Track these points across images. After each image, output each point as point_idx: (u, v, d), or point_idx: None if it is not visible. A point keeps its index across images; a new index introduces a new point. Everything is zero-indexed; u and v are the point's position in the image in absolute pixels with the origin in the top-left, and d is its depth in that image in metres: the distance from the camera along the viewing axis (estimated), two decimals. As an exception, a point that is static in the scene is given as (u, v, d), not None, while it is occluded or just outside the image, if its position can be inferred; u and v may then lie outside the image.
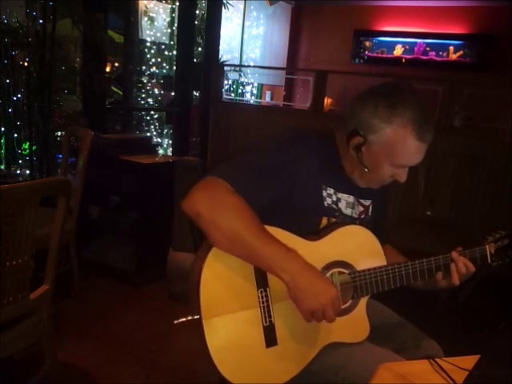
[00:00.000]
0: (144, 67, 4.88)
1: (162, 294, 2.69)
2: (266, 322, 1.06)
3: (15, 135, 3.62)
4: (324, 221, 1.18)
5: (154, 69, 4.93)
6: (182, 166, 2.76)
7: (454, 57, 6.43)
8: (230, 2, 5.72)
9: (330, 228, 1.16)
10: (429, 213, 3.29)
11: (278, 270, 1.00)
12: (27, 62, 3.43)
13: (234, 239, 1.00)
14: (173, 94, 4.58)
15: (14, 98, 3.54)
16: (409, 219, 3.55)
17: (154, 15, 4.84)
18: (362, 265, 1.15)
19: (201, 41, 5.09)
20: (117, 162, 2.90)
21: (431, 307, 2.84)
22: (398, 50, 6.74)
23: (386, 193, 1.36)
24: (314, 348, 1.12)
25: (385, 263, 1.17)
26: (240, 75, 6.41)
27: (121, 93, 4.73)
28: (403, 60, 6.69)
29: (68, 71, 4.07)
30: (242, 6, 6.51)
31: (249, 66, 6.68)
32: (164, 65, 5.01)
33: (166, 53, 4.99)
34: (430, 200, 3.36)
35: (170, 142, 4.87)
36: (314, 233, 1.15)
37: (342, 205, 1.21)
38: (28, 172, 3.54)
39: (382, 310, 1.36)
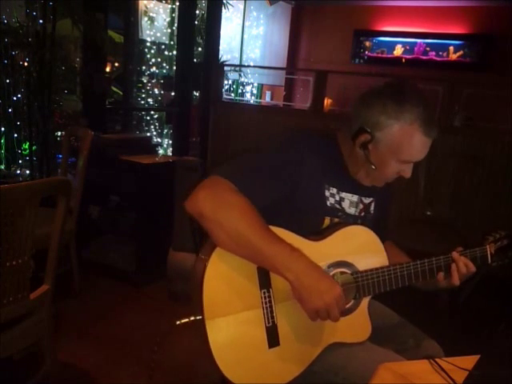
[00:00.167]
0: (144, 67, 4.88)
1: (161, 294, 2.69)
2: (268, 323, 1.06)
3: (15, 135, 3.62)
4: (327, 221, 1.18)
5: (154, 69, 4.93)
6: (182, 166, 2.76)
7: (454, 57, 6.43)
8: (230, 2, 5.72)
9: (333, 228, 1.16)
10: (429, 213, 3.29)
11: (282, 269, 1.00)
12: (27, 61, 3.43)
13: (238, 239, 0.99)
14: (173, 94, 4.59)
15: (14, 98, 3.54)
16: (409, 219, 3.55)
17: (154, 15, 4.84)
18: (364, 265, 1.15)
19: (201, 41, 5.09)
20: (117, 162, 2.90)
21: (431, 307, 2.84)
22: (398, 50, 6.74)
23: (390, 191, 1.37)
24: (316, 348, 1.12)
25: (387, 263, 1.17)
26: (240, 75, 6.41)
27: (121, 93, 4.74)
28: (403, 60, 6.69)
29: (68, 71, 4.07)
30: (242, 6, 6.51)
31: (249, 66, 6.68)
32: (164, 65, 5.01)
33: (166, 53, 4.99)
34: (430, 200, 3.36)
35: (170, 141, 4.87)
36: (316, 233, 1.15)
37: (345, 204, 1.22)
38: (28, 172, 3.54)
39: (382, 310, 1.36)
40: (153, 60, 4.91)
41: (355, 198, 1.24)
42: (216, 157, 4.52)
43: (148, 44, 4.85)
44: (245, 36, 6.66)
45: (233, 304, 1.04)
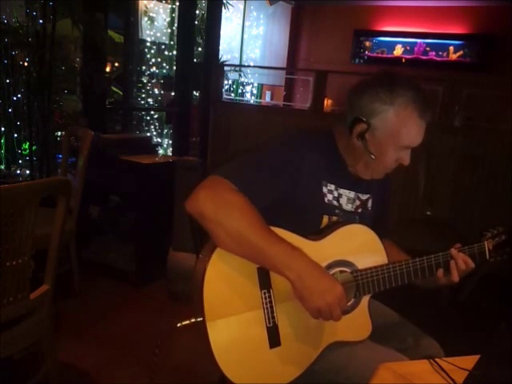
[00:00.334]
0: (144, 67, 4.88)
1: (161, 294, 2.69)
2: (269, 323, 1.06)
3: (15, 135, 3.62)
4: (325, 219, 1.19)
5: (154, 69, 4.93)
6: (182, 166, 2.76)
7: (454, 57, 6.43)
8: (230, 2, 5.72)
9: (332, 227, 1.16)
10: (429, 213, 3.30)
11: (283, 268, 1.00)
12: (27, 61, 3.43)
13: (239, 239, 0.99)
14: (173, 94, 4.59)
15: (14, 98, 3.54)
16: (409, 219, 3.55)
17: (154, 15, 4.84)
18: (363, 263, 1.15)
19: (201, 41, 5.09)
20: (117, 162, 2.90)
21: (431, 307, 2.84)
22: (398, 50, 6.74)
23: (388, 188, 1.38)
24: (317, 348, 1.12)
25: (386, 261, 1.17)
26: (240, 75, 6.42)
27: (121, 93, 4.74)
28: (403, 60, 6.70)
29: (68, 71, 4.07)
30: (242, 6, 6.51)
31: (249, 66, 6.68)
32: (164, 65, 5.01)
33: (166, 53, 4.99)
34: (430, 200, 3.36)
35: (170, 141, 4.87)
36: (315, 233, 1.15)
37: (343, 201, 1.22)
38: (28, 172, 3.54)
39: (382, 309, 1.36)
40: (153, 60, 4.91)
41: (352, 194, 1.24)
42: (216, 157, 4.52)
43: (148, 44, 4.85)
44: (245, 36, 6.66)
45: (233, 305, 1.04)
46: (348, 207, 1.23)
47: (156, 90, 4.95)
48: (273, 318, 1.06)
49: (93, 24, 3.12)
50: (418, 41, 6.58)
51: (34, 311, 1.52)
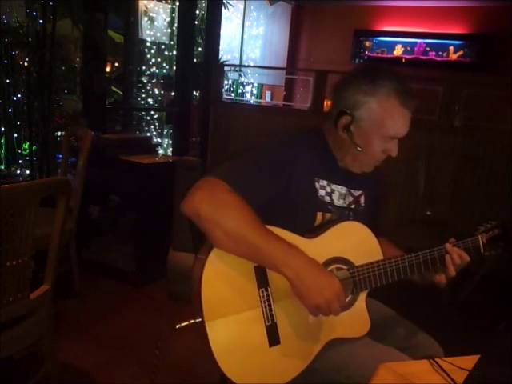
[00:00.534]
0: (144, 67, 4.88)
1: (161, 294, 2.69)
2: (268, 322, 1.07)
3: (15, 135, 3.62)
4: (319, 216, 1.19)
5: (154, 69, 4.93)
6: (182, 166, 2.76)
7: (454, 57, 6.43)
8: (230, 2, 5.72)
9: (327, 225, 1.17)
10: (429, 213, 3.30)
11: (281, 266, 1.01)
12: (27, 62, 3.43)
13: (236, 238, 1.00)
14: (173, 94, 4.59)
15: (14, 98, 3.54)
16: (409, 219, 3.55)
17: (154, 15, 4.84)
18: (359, 260, 1.16)
19: (201, 41, 5.09)
20: (117, 162, 2.90)
21: (431, 306, 2.84)
22: (398, 50, 6.73)
23: (381, 186, 1.39)
24: (317, 345, 1.13)
25: (382, 257, 1.18)
26: (240, 75, 6.41)
27: (121, 93, 4.73)
28: (403, 60, 6.69)
29: (68, 71, 4.07)
30: (242, 6, 6.51)
31: (249, 66, 6.68)
32: (164, 65, 5.01)
33: (166, 53, 4.99)
34: (430, 200, 3.37)
35: (170, 141, 4.87)
36: (310, 231, 1.16)
37: (335, 196, 1.23)
38: (28, 172, 3.54)
39: (382, 309, 1.36)
40: (153, 60, 4.91)
41: (344, 189, 1.25)
42: (216, 157, 4.52)
43: (148, 44, 4.85)
44: (245, 36, 6.66)
45: (232, 304, 1.04)
46: (339, 203, 1.24)
47: (156, 90, 4.95)
48: (271, 316, 1.07)
49: (93, 24, 3.12)
50: (418, 41, 6.58)
51: (34, 311, 1.52)
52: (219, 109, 4.64)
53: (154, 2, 4.83)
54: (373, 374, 0.91)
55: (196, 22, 4.66)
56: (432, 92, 4.26)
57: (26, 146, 3.64)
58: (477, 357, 0.93)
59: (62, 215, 1.51)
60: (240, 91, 6.52)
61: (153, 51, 4.88)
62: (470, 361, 0.92)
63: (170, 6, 5.00)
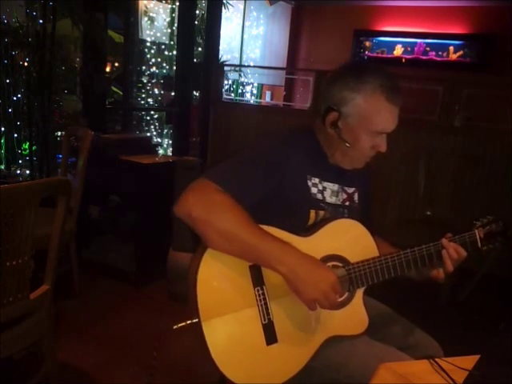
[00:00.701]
0: (144, 67, 4.88)
1: (161, 294, 2.69)
2: (264, 320, 1.07)
3: (15, 135, 3.62)
4: (312, 214, 1.20)
5: (154, 69, 4.93)
6: (182, 166, 2.76)
7: (454, 57, 6.43)
8: (230, 2, 5.72)
9: (321, 223, 1.17)
10: (429, 213, 3.30)
11: (275, 263, 1.02)
12: (27, 62, 3.43)
13: (230, 237, 1.01)
14: (173, 94, 4.59)
15: (14, 98, 3.54)
16: (409, 219, 3.55)
17: (154, 15, 4.84)
18: (355, 258, 1.16)
19: (201, 41, 5.09)
20: (117, 162, 2.90)
21: (431, 306, 2.84)
22: (398, 50, 6.73)
23: (371, 182, 1.40)
24: (315, 343, 1.13)
25: (377, 254, 1.18)
26: (240, 75, 6.41)
27: (121, 93, 4.73)
28: (403, 60, 6.69)
29: (68, 71, 4.07)
30: (242, 6, 6.51)
31: (249, 66, 6.68)
32: (164, 65, 5.01)
33: (166, 53, 4.99)
34: (430, 200, 3.37)
35: (170, 141, 4.87)
36: (305, 229, 1.17)
37: (327, 193, 1.24)
38: (28, 172, 3.54)
39: (382, 308, 1.36)
40: (153, 60, 4.91)
41: (336, 186, 1.26)
42: (216, 157, 4.52)
43: (148, 44, 4.85)
44: (245, 36, 6.65)
45: (228, 303, 1.05)
46: (332, 200, 1.25)
47: (156, 90, 4.95)
48: (267, 314, 1.07)
49: (93, 24, 3.12)
50: (418, 41, 6.58)
51: (34, 311, 1.52)
52: (219, 109, 4.64)
53: (153, 1, 4.83)
54: (373, 373, 0.91)
55: (196, 22, 4.66)
56: (432, 92, 4.26)
57: (26, 146, 3.64)
58: (477, 357, 0.93)
59: (62, 215, 1.51)
60: (240, 91, 6.52)
61: (153, 51, 4.88)
62: (469, 361, 0.92)
63: (170, 6, 5.00)
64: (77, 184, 2.50)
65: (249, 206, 1.06)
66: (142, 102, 4.91)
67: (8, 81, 3.46)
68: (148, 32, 4.80)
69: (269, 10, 6.89)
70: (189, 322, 1.04)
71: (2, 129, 3.57)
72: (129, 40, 4.57)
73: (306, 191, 1.20)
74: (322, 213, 1.21)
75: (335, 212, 1.24)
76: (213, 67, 4.62)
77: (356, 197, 1.31)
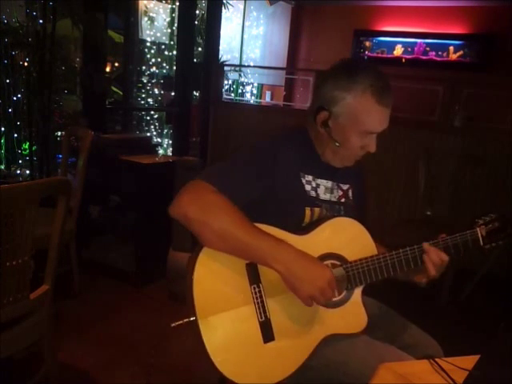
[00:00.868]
0: (144, 67, 4.88)
1: (161, 294, 2.69)
2: (261, 318, 1.07)
3: (15, 135, 3.63)
4: (307, 212, 1.20)
5: (154, 69, 4.93)
6: (182, 166, 2.76)
7: (454, 57, 6.43)
8: (230, 2, 5.72)
9: (318, 221, 1.18)
10: (429, 213, 3.29)
11: (271, 261, 1.02)
12: (27, 62, 3.43)
13: (225, 236, 1.02)
14: (173, 94, 4.58)
15: (14, 98, 3.54)
16: (409, 219, 3.55)
17: (154, 15, 4.84)
18: (353, 256, 1.16)
19: (201, 41, 5.09)
20: (117, 162, 2.90)
21: (431, 306, 2.84)
22: (398, 50, 6.73)
23: (363, 178, 1.40)
24: (312, 341, 1.12)
25: (376, 252, 1.18)
26: (240, 75, 6.41)
27: (121, 93, 4.74)
28: (403, 60, 6.69)
29: (68, 71, 4.07)
30: (242, 6, 6.51)
31: (249, 66, 6.68)
32: (164, 65, 5.01)
33: (166, 53, 4.99)
34: (430, 200, 3.36)
35: (170, 141, 4.87)
36: (301, 228, 1.17)
37: (320, 191, 1.24)
38: (28, 172, 3.54)
39: (382, 309, 1.36)
40: (153, 60, 4.91)
41: (330, 183, 1.26)
42: (216, 157, 4.52)
43: (148, 44, 4.85)
44: (245, 36, 6.66)
45: (224, 302, 1.05)
46: (326, 197, 1.25)
47: (156, 90, 4.95)
48: (264, 312, 1.07)
49: (93, 24, 3.11)
50: (418, 41, 6.58)
51: (34, 311, 1.52)
52: (219, 109, 4.64)
53: (153, 1, 4.83)
54: (372, 372, 0.91)
55: (196, 22, 4.66)
56: (432, 92, 4.26)
57: (26, 146, 3.64)
58: (477, 357, 0.93)
59: (62, 215, 1.51)
60: (240, 91, 6.52)
61: (153, 51, 4.88)
62: (469, 361, 0.92)
63: (170, 6, 5.00)
64: (77, 184, 2.50)
65: (244, 206, 1.06)
66: (142, 102, 4.91)
67: (8, 81, 3.46)
68: (148, 32, 4.80)
69: (269, 10, 6.89)
70: (186, 320, 1.04)
71: (2, 129, 3.57)
72: (129, 40, 4.57)
73: (301, 188, 1.21)
74: (317, 210, 1.21)
75: (331, 209, 1.25)
76: (213, 67, 4.62)
77: (351, 193, 1.32)
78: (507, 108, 3.96)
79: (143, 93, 4.91)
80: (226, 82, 5.61)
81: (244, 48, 6.67)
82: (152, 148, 3.68)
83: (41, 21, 3.13)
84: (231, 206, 1.04)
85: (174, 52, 4.74)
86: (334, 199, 1.27)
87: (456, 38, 6.39)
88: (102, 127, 3.34)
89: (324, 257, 1.14)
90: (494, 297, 3.06)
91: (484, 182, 3.50)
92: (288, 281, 1.03)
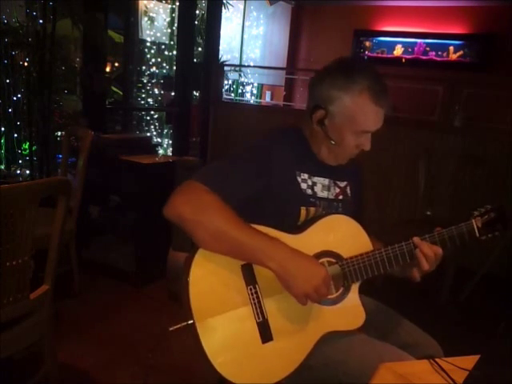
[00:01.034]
0: (144, 67, 4.88)
1: (161, 294, 2.69)
2: (259, 318, 1.07)
3: (15, 135, 3.63)
4: (303, 211, 1.20)
5: (154, 69, 4.93)
6: (182, 166, 2.76)
7: (454, 57, 6.43)
8: (230, 2, 5.72)
9: (313, 220, 1.18)
10: (429, 213, 3.29)
11: (265, 259, 1.02)
12: (27, 61, 3.43)
13: (219, 236, 1.02)
14: (173, 94, 4.59)
15: (14, 98, 3.54)
16: (409, 219, 3.55)
17: (154, 15, 4.84)
18: (348, 253, 1.16)
19: (201, 41, 5.09)
20: (117, 162, 2.90)
21: (431, 306, 2.84)
22: (398, 50, 6.73)
23: (360, 176, 1.40)
24: (311, 339, 1.12)
25: (371, 248, 1.18)
26: (240, 75, 6.41)
27: (121, 93, 4.74)
28: (403, 60, 6.69)
29: (68, 71, 4.07)
30: (242, 6, 6.51)
31: (249, 66, 6.68)
32: (164, 65, 5.01)
33: (166, 53, 4.99)
34: (430, 200, 3.36)
35: (170, 141, 4.87)
36: (296, 227, 1.17)
37: (317, 188, 1.24)
38: (28, 172, 3.54)
39: (382, 308, 1.36)
40: (153, 60, 4.91)
41: (327, 181, 1.27)
42: (216, 157, 4.52)
43: (148, 44, 4.85)
44: (245, 36, 6.66)
45: (221, 303, 1.05)
46: (324, 194, 1.25)
47: (156, 90, 4.95)
48: (262, 313, 1.08)
49: (93, 24, 3.11)
50: (418, 41, 6.58)
51: (34, 311, 1.52)
52: (219, 109, 4.64)
53: (153, 1, 4.84)
54: (372, 371, 0.91)
55: (196, 22, 4.66)
56: (432, 92, 4.26)
57: (26, 146, 3.64)
58: (477, 357, 0.93)
59: (62, 215, 1.51)
60: (240, 91, 6.52)
61: (153, 51, 4.89)
62: (469, 361, 0.92)
63: (170, 6, 5.00)
64: (77, 184, 2.50)
65: (239, 206, 1.06)
66: (142, 102, 4.91)
67: (8, 81, 3.46)
68: (148, 32, 4.80)
69: (269, 9, 6.89)
70: (184, 323, 1.04)
71: (2, 129, 3.57)
72: (129, 40, 4.57)
73: (296, 186, 1.21)
74: (312, 210, 1.21)
75: (329, 207, 1.25)
76: (213, 67, 4.62)
77: (349, 190, 1.32)
78: (507, 108, 3.96)
79: (143, 93, 4.91)
80: (225, 82, 5.61)
81: (244, 48, 6.67)
82: (152, 148, 3.68)
83: (41, 21, 3.13)
84: (225, 207, 1.04)
85: (174, 52, 4.74)
86: (331, 197, 1.27)
87: (456, 37, 6.39)
88: (101, 127, 3.34)
89: (320, 255, 1.14)
90: (494, 297, 3.06)
91: (484, 182, 3.50)
92: (282, 279, 1.03)
